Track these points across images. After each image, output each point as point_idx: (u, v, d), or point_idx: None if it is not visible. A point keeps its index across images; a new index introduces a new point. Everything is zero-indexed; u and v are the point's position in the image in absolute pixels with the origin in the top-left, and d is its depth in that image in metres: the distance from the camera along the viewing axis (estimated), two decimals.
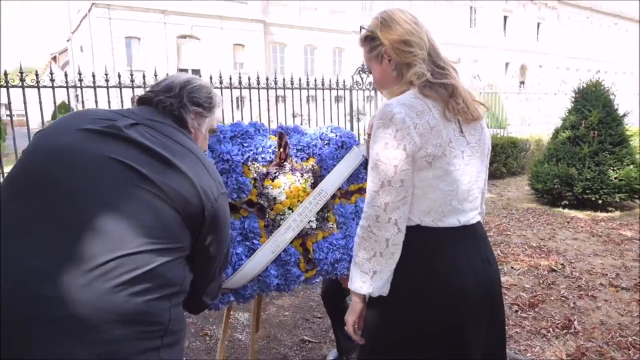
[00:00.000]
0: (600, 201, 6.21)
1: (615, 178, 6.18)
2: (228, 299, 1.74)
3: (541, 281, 3.58)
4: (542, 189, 6.71)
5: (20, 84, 4.73)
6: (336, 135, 2.04)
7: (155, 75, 5.49)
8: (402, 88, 1.26)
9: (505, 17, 41.20)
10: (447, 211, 1.22)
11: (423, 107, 1.20)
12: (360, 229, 1.23)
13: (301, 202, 1.85)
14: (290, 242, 1.81)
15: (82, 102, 5.87)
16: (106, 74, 5.53)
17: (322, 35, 31.04)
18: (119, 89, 5.56)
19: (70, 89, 5.26)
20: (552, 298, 3.27)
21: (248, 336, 2.89)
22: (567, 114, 6.95)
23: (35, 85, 4.89)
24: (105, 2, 24.60)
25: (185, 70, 23.87)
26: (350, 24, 31.67)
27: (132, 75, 5.55)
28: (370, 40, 1.33)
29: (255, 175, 1.83)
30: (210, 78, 5.69)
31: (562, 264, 3.95)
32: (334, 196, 1.93)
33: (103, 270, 0.91)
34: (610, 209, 6.23)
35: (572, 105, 6.89)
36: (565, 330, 2.79)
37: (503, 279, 3.64)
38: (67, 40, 32.63)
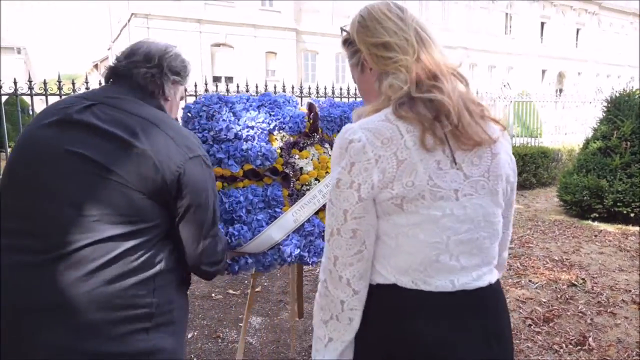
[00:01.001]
0: (632, 214, 5.99)
1: None
2: (245, 261, 1.70)
3: (559, 295, 3.50)
4: (570, 201, 6.53)
5: (58, 92, 5.03)
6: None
7: (195, 86, 5.75)
8: (380, 106, 0.98)
9: (542, 24, 40.28)
10: (434, 270, 0.94)
11: (392, 134, 0.92)
12: (319, 284, 1.02)
13: (329, 174, 1.78)
14: (315, 214, 1.79)
15: None
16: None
17: None
18: None
19: None
20: (569, 313, 3.19)
21: (259, 340, 2.95)
22: (598, 124, 6.75)
23: (72, 93, 5.17)
24: (144, 12, 25.49)
25: (219, 78, 24.47)
26: None
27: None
28: (349, 44, 1.09)
29: (281, 144, 1.83)
30: (237, 87, 5.85)
31: (583, 279, 3.85)
32: None
33: (76, 258, 0.99)
34: None
35: (604, 115, 6.69)
36: (579, 347, 2.72)
37: (519, 292, 3.58)
38: (108, 49, 33.94)
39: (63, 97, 5.13)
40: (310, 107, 1.91)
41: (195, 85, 5.89)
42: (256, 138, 1.77)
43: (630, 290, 3.59)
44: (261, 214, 1.72)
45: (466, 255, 0.95)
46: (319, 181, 1.83)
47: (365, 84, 1.09)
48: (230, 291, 3.74)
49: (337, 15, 30.58)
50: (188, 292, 1.29)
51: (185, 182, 1.11)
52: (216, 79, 24.93)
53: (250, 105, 1.83)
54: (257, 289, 3.80)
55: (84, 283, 0.98)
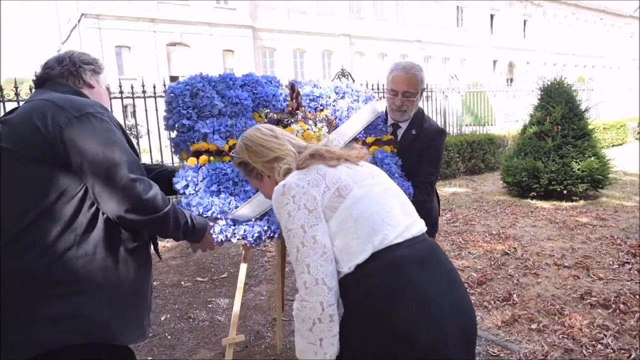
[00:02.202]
0: (565, 191, 6.61)
1: (578, 169, 6.58)
2: (230, 226, 1.73)
3: (492, 263, 3.98)
4: (512, 182, 7.11)
5: (15, 98, 5.09)
6: (352, 90, 2.21)
7: (143, 86, 5.89)
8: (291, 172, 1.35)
9: (492, 16, 41.75)
10: (387, 219, 1.23)
11: (306, 170, 1.30)
12: (295, 303, 1.22)
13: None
14: None
15: None
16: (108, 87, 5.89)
17: (310, 38, 31.43)
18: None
19: None
20: (499, 277, 3.66)
21: (227, 317, 3.25)
22: (534, 111, 7.36)
23: (26, 99, 5.24)
24: (95, 13, 24.84)
25: (176, 78, 24.16)
26: (339, 26, 32.12)
27: (120, 86, 5.90)
28: (244, 165, 1.45)
29: (266, 121, 1.93)
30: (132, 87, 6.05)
31: (515, 248, 4.35)
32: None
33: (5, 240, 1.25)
34: (575, 198, 6.63)
35: (539, 102, 7.30)
36: (505, 302, 3.18)
37: (459, 262, 4.03)
38: (58, 51, 32.82)
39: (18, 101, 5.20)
40: (293, 86, 2.02)
41: (154, 87, 6.04)
42: (240, 114, 1.86)
43: (553, 255, 4.10)
44: (248, 185, 1.78)
45: (399, 208, 1.29)
46: None
47: (266, 186, 1.45)
48: (199, 278, 4.01)
49: (293, 11, 30.76)
50: (159, 282, 1.53)
51: (67, 137, 1.24)
52: (173, 79, 24.65)
53: (234, 84, 1.91)
54: (223, 275, 4.08)
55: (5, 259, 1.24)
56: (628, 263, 3.80)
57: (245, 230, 1.74)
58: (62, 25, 30.06)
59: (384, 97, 2.42)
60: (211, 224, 1.68)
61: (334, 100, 2.14)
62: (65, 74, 1.45)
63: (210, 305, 3.45)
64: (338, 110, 2.14)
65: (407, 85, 2.17)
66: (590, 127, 7.03)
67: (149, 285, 1.49)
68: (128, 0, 25.55)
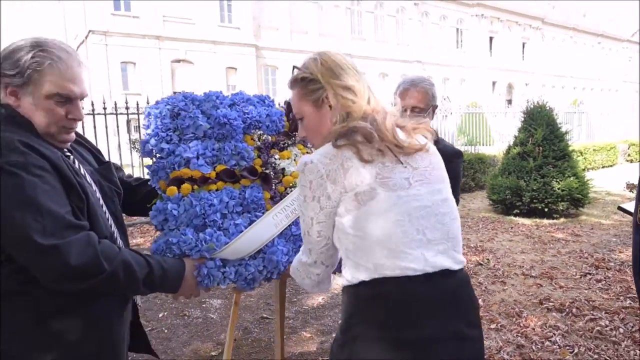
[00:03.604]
0: (546, 209, 6.95)
1: (558, 188, 6.93)
2: (220, 271, 1.48)
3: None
4: (496, 200, 7.46)
5: None
6: None
7: (147, 102, 6.31)
8: (327, 140, 1.17)
9: (491, 38, 42.57)
10: (404, 245, 1.08)
11: (336, 152, 1.12)
12: (297, 262, 1.29)
13: None
14: None
15: (83, 128, 6.65)
16: (104, 103, 6.32)
17: None
18: (115, 115, 6.35)
19: None
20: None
21: (220, 315, 3.57)
22: (517, 132, 7.75)
23: None
24: (102, 29, 25.53)
25: None
26: (340, 46, 32.84)
27: (127, 103, 6.32)
28: (308, 82, 1.22)
29: (259, 144, 1.73)
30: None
31: (488, 259, 4.68)
32: None
33: None
34: (555, 216, 6.96)
35: (522, 124, 7.69)
36: None
37: None
38: None
39: None
40: (289, 105, 1.79)
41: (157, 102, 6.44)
42: (229, 137, 1.64)
43: (523, 266, 4.43)
44: (240, 218, 1.56)
45: (430, 230, 1.09)
46: None
47: (317, 120, 1.23)
48: None
49: (296, 31, 31.54)
50: None
51: None
52: None
53: (221, 103, 1.68)
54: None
55: None
56: (589, 274, 4.13)
57: (237, 272, 1.51)
58: (70, 40, 30.78)
59: None
60: (195, 264, 1.43)
61: None
62: None
63: (204, 305, 3.77)
64: None
65: (416, 100, 1.99)
66: (570, 148, 7.41)
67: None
68: (134, 18, 26.28)
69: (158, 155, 1.56)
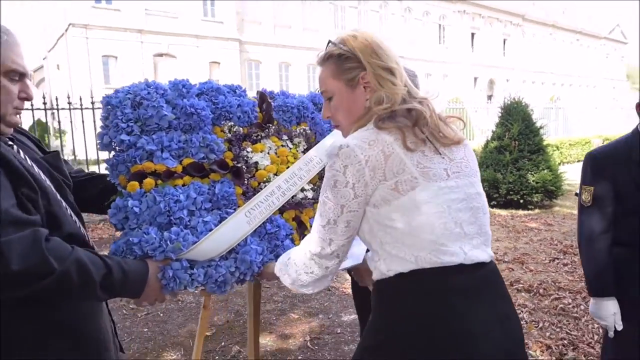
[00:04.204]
0: (521, 201, 7.29)
1: (533, 181, 7.27)
2: (187, 274, 1.32)
3: None
4: None
5: None
6: None
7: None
8: (364, 122, 1.12)
9: (472, 34, 43.12)
10: (444, 237, 1.04)
11: (377, 137, 1.06)
12: (304, 255, 1.18)
13: (290, 168, 1.61)
14: (280, 214, 1.58)
15: (59, 122, 6.77)
16: (80, 99, 6.46)
17: (296, 52, 32.18)
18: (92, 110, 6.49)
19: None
20: None
21: (212, 300, 3.75)
22: (495, 127, 8.07)
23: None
24: (83, 23, 25.21)
25: None
26: (324, 41, 32.79)
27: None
28: (345, 59, 1.15)
29: (230, 136, 1.60)
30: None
31: None
32: None
33: None
34: (530, 207, 7.31)
35: (499, 119, 8.01)
36: None
37: None
38: (44, 59, 32.98)
39: None
40: (262, 96, 1.71)
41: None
42: (196, 128, 1.52)
43: (497, 253, 4.71)
44: (209, 215, 1.43)
45: (467, 223, 1.07)
46: (278, 176, 1.59)
47: (351, 100, 1.16)
48: None
49: (279, 25, 31.53)
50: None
51: None
52: None
53: (188, 92, 1.55)
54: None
55: None
56: (557, 259, 4.44)
57: (206, 274, 1.37)
58: (49, 33, 30.29)
59: None
60: (160, 265, 1.29)
61: (312, 112, 1.78)
62: None
63: (196, 291, 3.95)
64: (318, 124, 1.78)
65: None
66: (545, 143, 7.75)
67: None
68: (116, 11, 26.00)
69: (118, 148, 1.44)
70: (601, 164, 1.72)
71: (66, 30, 25.85)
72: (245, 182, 1.56)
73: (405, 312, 1.06)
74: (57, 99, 6.92)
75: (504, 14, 44.67)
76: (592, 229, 1.70)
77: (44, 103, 6.11)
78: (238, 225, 1.43)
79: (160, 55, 27.72)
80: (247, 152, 1.61)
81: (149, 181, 1.39)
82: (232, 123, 1.63)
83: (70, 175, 1.37)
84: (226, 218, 1.43)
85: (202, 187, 1.44)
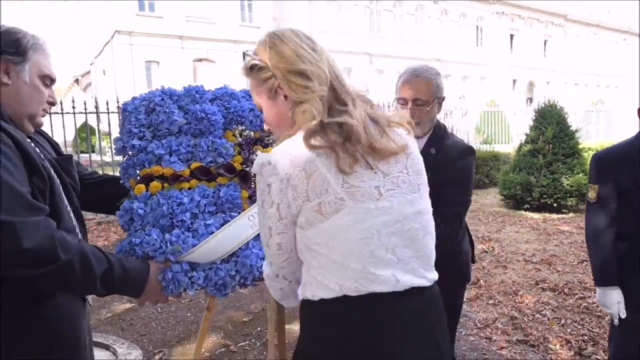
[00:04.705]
0: (555, 204, 7.25)
1: (567, 184, 7.22)
2: (180, 276, 1.33)
3: None
4: (507, 195, 7.79)
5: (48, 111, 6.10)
6: None
7: None
8: (292, 134, 1.02)
9: (511, 35, 42.25)
10: (372, 265, 0.96)
11: (299, 152, 0.97)
12: (264, 268, 1.15)
13: None
14: None
15: (98, 125, 7.24)
16: (118, 102, 6.90)
17: (331, 56, 32.52)
18: None
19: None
20: (474, 268, 4.35)
21: (249, 290, 4.02)
22: (529, 130, 8.05)
23: (60, 112, 6.30)
24: (127, 30, 26.37)
25: None
26: (359, 44, 33.16)
27: None
28: (258, 70, 1.06)
29: (240, 140, 1.61)
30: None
31: (493, 247, 5.05)
32: None
33: None
34: (564, 211, 7.26)
35: (533, 122, 7.99)
36: (473, 285, 3.89)
37: None
38: (90, 64, 34.62)
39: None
40: None
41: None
42: (206, 132, 1.54)
43: (525, 254, 4.79)
44: (212, 218, 1.44)
45: (401, 247, 0.98)
46: None
47: (276, 112, 1.08)
48: None
49: (315, 30, 31.89)
50: None
51: None
52: None
53: (201, 98, 1.59)
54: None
55: None
56: (586, 261, 4.46)
57: (207, 277, 1.38)
58: (96, 39, 31.76)
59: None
60: (161, 267, 1.33)
61: None
62: None
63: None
64: None
65: (418, 91, 1.78)
66: (580, 146, 7.68)
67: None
68: (158, 18, 27.07)
69: (130, 152, 1.51)
70: (605, 164, 1.86)
71: (112, 37, 27.10)
72: (252, 185, 1.55)
73: (330, 339, 1.00)
74: (96, 101, 7.38)
75: (545, 15, 43.54)
76: (597, 224, 1.84)
77: (85, 109, 6.55)
78: (241, 228, 1.43)
79: (200, 60, 28.63)
80: (257, 155, 1.56)
81: (155, 184, 1.44)
82: (244, 127, 1.64)
83: (85, 177, 1.45)
84: (229, 221, 1.44)
85: (207, 190, 1.47)
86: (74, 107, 6.40)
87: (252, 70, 1.08)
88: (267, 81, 1.05)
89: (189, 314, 3.56)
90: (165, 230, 1.37)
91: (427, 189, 1.09)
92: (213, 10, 28.14)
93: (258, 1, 29.74)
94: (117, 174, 1.58)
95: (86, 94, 33.12)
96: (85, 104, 6.59)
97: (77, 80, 41.35)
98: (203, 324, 1.63)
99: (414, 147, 1.08)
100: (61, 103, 6.17)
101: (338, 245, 0.96)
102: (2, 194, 0.98)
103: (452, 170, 1.78)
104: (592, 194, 1.88)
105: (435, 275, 1.07)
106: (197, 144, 1.51)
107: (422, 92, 1.79)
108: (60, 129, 6.35)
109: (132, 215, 1.40)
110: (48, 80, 1.24)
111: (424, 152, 1.81)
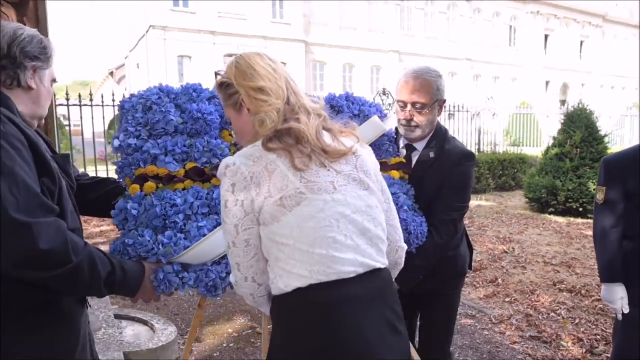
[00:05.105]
0: (581, 209, 7.22)
1: (593, 189, 7.17)
2: (178, 277, 1.36)
3: (490, 257, 4.78)
4: (532, 198, 7.78)
5: (78, 103, 6.48)
6: (352, 104, 1.84)
7: None
8: (253, 141, 1.14)
9: (546, 36, 41.30)
10: (336, 250, 1.06)
11: (261, 154, 1.10)
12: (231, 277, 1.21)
13: None
14: None
15: None
16: None
17: (360, 53, 32.51)
18: None
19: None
20: (493, 267, 4.46)
21: None
22: (556, 134, 8.01)
23: (89, 104, 6.62)
24: (162, 24, 27.03)
25: None
26: (389, 42, 33.04)
27: None
28: (225, 87, 1.20)
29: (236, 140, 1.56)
30: None
31: (514, 248, 5.12)
32: None
33: None
34: (589, 215, 7.20)
35: (561, 126, 7.94)
36: (491, 283, 4.00)
37: None
38: (125, 58, 35.60)
39: (70, 105, 6.39)
40: None
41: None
42: (202, 132, 1.55)
43: (545, 255, 4.85)
44: (205, 220, 1.45)
45: (357, 235, 1.10)
46: None
47: (241, 123, 1.21)
48: None
49: (345, 27, 32.00)
50: None
51: None
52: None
53: (198, 97, 1.59)
54: None
55: None
56: None
57: (197, 278, 1.40)
58: (131, 33, 32.66)
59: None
60: (153, 267, 1.35)
61: (327, 115, 1.77)
62: None
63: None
64: None
65: (417, 94, 1.75)
66: (608, 151, 7.60)
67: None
68: (191, 14, 27.65)
69: (126, 151, 1.51)
70: (613, 167, 1.97)
71: (146, 32, 27.82)
72: None
73: (305, 325, 1.07)
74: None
75: (582, 15, 42.33)
76: (604, 224, 1.96)
77: (113, 101, 6.78)
78: None
79: (230, 55, 28.15)
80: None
81: (149, 184, 1.46)
82: None
83: (75, 178, 1.42)
84: (220, 223, 1.40)
85: (201, 191, 1.48)
86: (102, 102, 6.68)
87: (221, 87, 1.22)
88: (232, 96, 1.18)
89: (218, 297, 3.78)
90: (158, 231, 1.40)
91: (377, 188, 1.20)
92: (245, 6, 28.52)
93: None
94: None
95: (120, 86, 34.11)
96: (113, 95, 6.89)
97: (111, 73, 42.60)
98: (194, 321, 1.66)
99: (363, 152, 1.20)
100: (91, 95, 6.51)
101: (302, 234, 1.06)
102: (19, 192, 0.98)
103: (450, 175, 1.77)
104: (600, 196, 1.99)
105: (386, 262, 1.18)
106: (193, 144, 1.53)
107: (421, 95, 1.76)
108: (89, 121, 6.67)
109: (126, 215, 1.42)
110: (52, 84, 1.31)
111: (423, 155, 1.83)
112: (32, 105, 1.22)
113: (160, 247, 1.34)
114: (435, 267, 1.81)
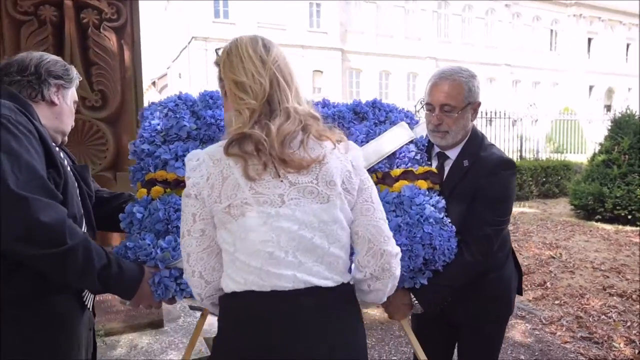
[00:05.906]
0: (629, 216, 7.11)
1: None
2: (168, 282, 1.34)
3: (538, 262, 4.84)
4: (578, 205, 7.71)
5: None
6: (378, 110, 1.78)
7: None
8: (227, 137, 1.08)
9: (589, 39, 40.12)
10: (272, 265, 1.03)
11: (221, 156, 1.06)
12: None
13: None
14: None
15: None
16: None
17: (396, 60, 32.56)
18: None
19: None
20: (541, 271, 4.54)
21: None
22: (603, 140, 7.92)
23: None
24: (204, 36, 27.98)
25: None
26: (425, 49, 32.95)
27: None
28: (218, 70, 1.14)
29: None
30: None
31: (561, 254, 5.15)
32: None
33: None
34: (639, 223, 7.09)
35: (609, 132, 7.85)
36: (539, 287, 4.08)
37: None
38: (167, 68, 36.94)
39: None
40: None
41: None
42: (216, 138, 1.53)
43: (594, 261, 4.87)
44: None
45: (302, 252, 1.04)
46: None
47: (227, 109, 1.15)
48: None
49: (381, 35, 32.16)
50: None
51: None
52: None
53: (214, 103, 1.61)
54: None
55: None
56: None
57: None
58: (174, 45, 33.88)
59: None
60: (153, 272, 1.35)
61: (350, 122, 1.73)
62: (23, 83, 1.28)
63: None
64: (353, 135, 1.69)
65: (446, 96, 1.59)
66: None
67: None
68: (232, 25, 28.49)
69: (140, 156, 1.54)
70: None
71: (189, 43, 28.85)
72: None
73: (235, 328, 1.06)
74: None
75: (628, 17, 40.84)
76: None
77: None
78: None
79: None
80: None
81: (156, 189, 1.46)
82: None
83: (95, 192, 1.50)
84: None
85: None
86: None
87: (217, 67, 1.15)
88: (221, 81, 1.13)
89: None
90: (159, 235, 1.39)
91: (344, 200, 1.09)
92: (283, 16, 29.16)
93: (326, 7, 30.43)
94: None
95: (162, 95, 35.35)
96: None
97: (154, 83, 44.21)
98: (195, 330, 1.62)
99: (332, 160, 1.08)
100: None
101: (242, 245, 1.03)
102: (21, 173, 1.04)
103: (485, 186, 1.56)
104: None
105: (344, 278, 1.11)
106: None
107: (451, 97, 1.59)
108: None
109: (132, 218, 1.43)
110: (75, 105, 1.45)
111: (457, 164, 1.64)
112: (55, 120, 1.33)
113: (159, 251, 1.34)
114: (471, 290, 1.56)
